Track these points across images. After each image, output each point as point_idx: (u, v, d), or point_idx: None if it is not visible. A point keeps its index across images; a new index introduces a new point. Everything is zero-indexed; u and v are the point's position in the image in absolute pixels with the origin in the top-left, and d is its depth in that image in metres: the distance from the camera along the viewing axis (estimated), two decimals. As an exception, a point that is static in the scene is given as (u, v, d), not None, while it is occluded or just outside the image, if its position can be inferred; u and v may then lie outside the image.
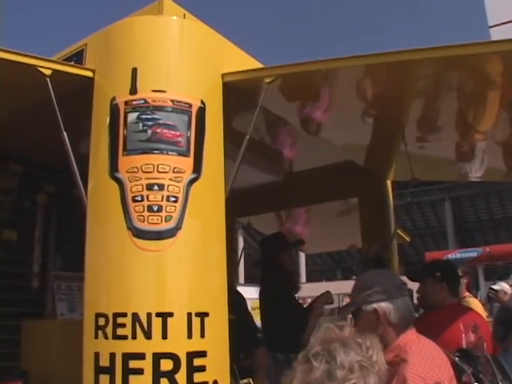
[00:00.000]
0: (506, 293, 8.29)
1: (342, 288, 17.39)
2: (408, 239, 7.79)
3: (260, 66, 3.64)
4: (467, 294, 6.53)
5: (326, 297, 4.86)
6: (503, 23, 10.68)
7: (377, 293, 2.47)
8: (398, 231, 6.16)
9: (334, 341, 1.98)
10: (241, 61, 3.51)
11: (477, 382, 2.84)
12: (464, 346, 3.38)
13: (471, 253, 24.95)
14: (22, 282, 4.66)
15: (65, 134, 2.99)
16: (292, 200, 6.30)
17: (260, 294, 5.01)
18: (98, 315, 2.75)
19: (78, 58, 3.40)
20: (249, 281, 29.21)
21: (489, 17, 11.28)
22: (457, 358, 2.84)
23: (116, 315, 2.70)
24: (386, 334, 2.42)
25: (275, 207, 6.64)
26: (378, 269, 3.70)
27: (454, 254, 24.43)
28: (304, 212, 7.09)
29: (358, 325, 2.49)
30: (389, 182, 5.96)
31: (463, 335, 3.54)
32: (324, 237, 7.81)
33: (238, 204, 3.10)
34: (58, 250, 4.91)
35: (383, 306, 2.46)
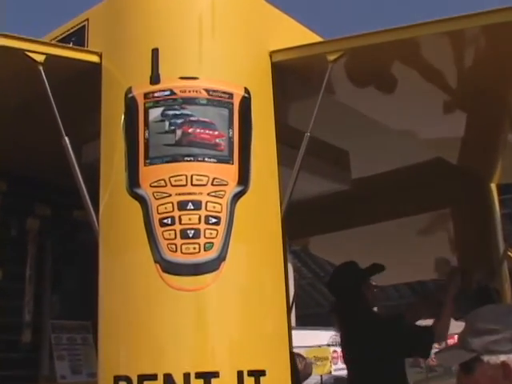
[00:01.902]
0: None
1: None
2: (521, 261, 7.67)
3: (319, 39, 3.64)
4: None
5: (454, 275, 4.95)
6: None
7: (508, 340, 2.40)
8: (509, 252, 6.08)
9: None
10: (294, 33, 3.52)
11: None
12: None
13: None
14: (9, 336, 4.70)
15: (66, 139, 3.05)
16: (361, 215, 6.28)
17: (347, 345, 5.12)
18: (117, 379, 2.77)
19: (77, 37, 3.46)
20: (302, 323, 29.19)
21: None
22: None
23: (142, 378, 2.71)
24: None
25: (339, 225, 6.62)
26: (499, 304, 3.61)
27: None
28: (377, 230, 7.05)
29: (471, 381, 2.45)
30: (493, 186, 5.90)
31: None
32: (402, 262, 7.75)
33: (291, 223, 3.11)
34: (56, 292, 4.96)
35: None
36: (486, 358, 2.41)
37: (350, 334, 5.07)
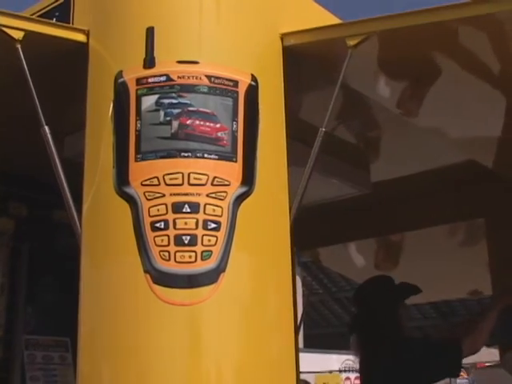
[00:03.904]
0: None
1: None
2: None
3: (338, 21, 3.63)
4: None
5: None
6: None
7: None
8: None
9: None
10: (309, 14, 3.52)
11: None
12: None
13: None
14: (-23, 353, 4.71)
15: (46, 128, 3.03)
16: (382, 223, 6.27)
17: (371, 370, 5.11)
18: (99, 404, 2.76)
19: (61, 12, 3.46)
20: (310, 344, 29.16)
21: None
22: None
23: (127, 403, 2.70)
24: None
25: (356, 234, 6.62)
26: None
27: None
28: (398, 242, 7.05)
29: None
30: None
31: None
32: (427, 279, 7.74)
33: (300, 230, 3.09)
34: (31, 304, 4.95)
35: None
36: None
37: (377, 358, 4.97)
